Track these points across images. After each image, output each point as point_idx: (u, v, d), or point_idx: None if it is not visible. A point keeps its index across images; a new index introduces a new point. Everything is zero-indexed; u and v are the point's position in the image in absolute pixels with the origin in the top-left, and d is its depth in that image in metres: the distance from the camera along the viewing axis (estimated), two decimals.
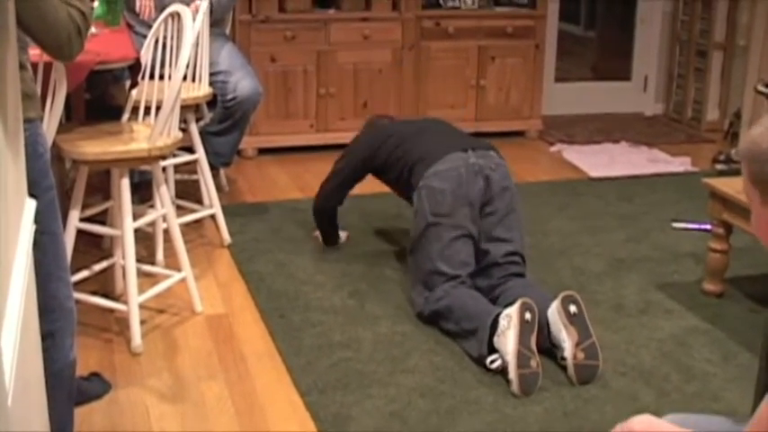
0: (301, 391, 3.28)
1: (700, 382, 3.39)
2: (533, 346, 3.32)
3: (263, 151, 6.13)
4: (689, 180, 5.72)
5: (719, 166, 5.89)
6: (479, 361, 3.44)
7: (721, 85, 7.02)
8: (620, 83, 7.67)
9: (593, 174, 5.88)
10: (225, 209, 4.67)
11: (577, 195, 5.50)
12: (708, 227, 4.33)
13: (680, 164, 6.14)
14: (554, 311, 3.43)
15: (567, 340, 3.38)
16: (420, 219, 3.88)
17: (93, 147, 3.52)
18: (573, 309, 3.40)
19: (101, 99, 4.60)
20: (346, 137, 6.18)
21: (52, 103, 3.19)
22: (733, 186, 3.84)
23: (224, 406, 3.21)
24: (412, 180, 3.99)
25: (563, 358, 3.40)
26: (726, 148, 6.18)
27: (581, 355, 3.35)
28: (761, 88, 5.42)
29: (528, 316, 3.32)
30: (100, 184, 4.59)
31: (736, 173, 2.31)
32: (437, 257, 3.77)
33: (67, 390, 2.51)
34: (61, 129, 3.43)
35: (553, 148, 6.49)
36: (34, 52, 2.54)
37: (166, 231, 4.02)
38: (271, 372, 3.44)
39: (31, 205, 2.13)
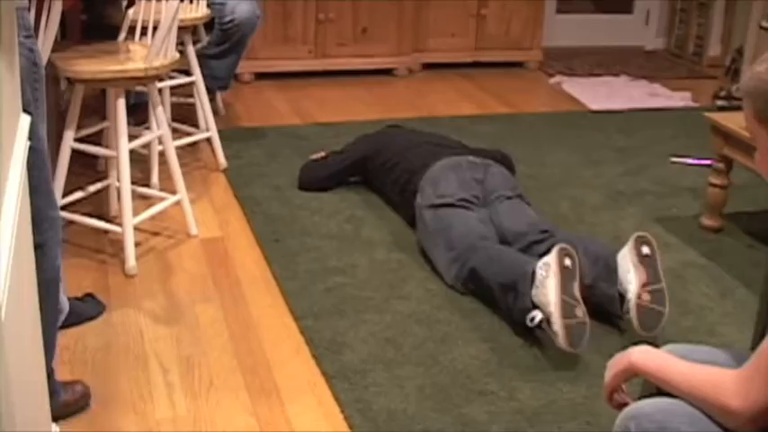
0: (296, 315, 3.27)
1: (696, 316, 3.38)
2: (578, 295, 3.04)
3: (260, 76, 6.06)
4: (689, 115, 5.68)
5: (720, 102, 5.85)
6: (521, 318, 3.15)
7: (724, 20, 6.95)
8: (621, 16, 7.59)
9: (593, 106, 5.84)
10: (221, 133, 4.62)
11: (577, 128, 5.46)
12: (707, 162, 4.31)
13: (680, 99, 6.10)
14: (624, 253, 3.20)
15: (633, 282, 3.15)
16: (425, 209, 3.72)
17: (89, 65, 3.47)
18: (645, 250, 3.17)
19: (97, 19, 4.54)
20: (345, 63, 6.18)
21: (47, 20, 3.13)
22: (735, 121, 3.80)
23: (218, 329, 3.20)
24: (410, 185, 3.91)
25: (625, 300, 3.17)
26: (727, 85, 6.14)
27: (646, 297, 3.13)
28: (765, 24, 5.36)
29: (567, 262, 3.04)
30: (96, 106, 4.55)
31: (737, 109, 2.28)
32: (456, 227, 3.56)
33: (54, 297, 2.53)
34: (57, 47, 3.37)
35: (553, 80, 6.44)
36: None
37: (162, 154, 3.99)
38: (266, 296, 3.43)
39: (25, 120, 2.10)
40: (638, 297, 3.12)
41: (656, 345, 2.01)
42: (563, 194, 4.41)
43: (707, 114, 4.05)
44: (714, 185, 4.02)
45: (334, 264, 3.65)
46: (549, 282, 3.02)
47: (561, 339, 2.98)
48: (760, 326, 2.59)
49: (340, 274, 3.56)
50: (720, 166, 3.98)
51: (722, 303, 3.48)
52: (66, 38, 4.30)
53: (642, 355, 1.93)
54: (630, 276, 3.17)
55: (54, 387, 2.57)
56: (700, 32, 7.10)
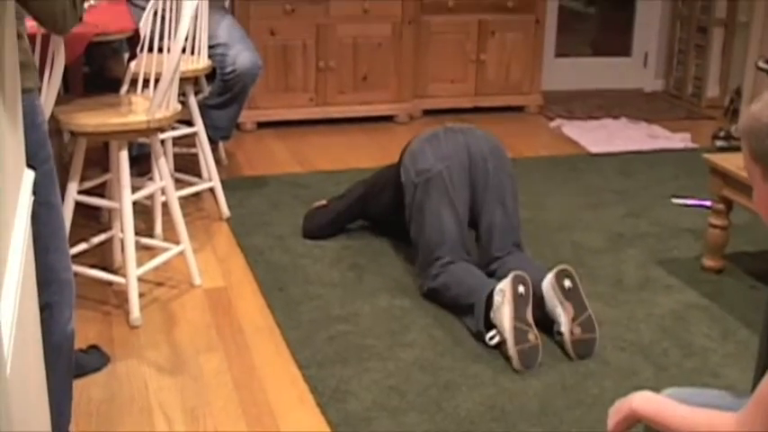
0: (300, 364, 3.28)
1: (698, 357, 3.39)
2: (530, 319, 3.31)
3: (262, 125, 6.11)
4: (689, 156, 5.71)
5: (719, 143, 5.88)
6: (479, 336, 3.43)
7: (722, 61, 7.00)
8: (620, 59, 7.64)
9: (593, 149, 5.87)
10: (224, 182, 4.65)
11: (577, 171, 5.48)
12: (707, 203, 4.33)
13: (680, 140, 6.13)
14: (548, 287, 3.42)
15: (562, 315, 3.37)
16: (408, 186, 3.89)
17: (92, 118, 3.51)
18: (567, 283, 3.38)
19: (99, 72, 4.58)
20: (346, 111, 6.23)
21: (50, 74, 3.17)
22: (733, 162, 3.83)
23: (222, 379, 3.21)
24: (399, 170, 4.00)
25: (559, 333, 3.39)
26: (726, 125, 6.17)
27: (578, 330, 3.34)
28: (762, 65, 5.40)
29: (521, 289, 3.30)
30: (98, 158, 4.58)
31: (737, 149, 2.30)
32: (430, 231, 3.75)
33: (66, 362, 2.51)
34: (59, 101, 3.41)
35: (553, 124, 6.48)
36: (32, 24, 2.52)
37: (165, 204, 4.01)
38: (269, 345, 3.44)
39: (29, 176, 2.12)
40: (571, 333, 3.36)
41: (656, 389, 2.02)
42: (564, 238, 4.43)
43: (706, 156, 4.07)
44: (714, 226, 4.04)
45: (337, 312, 3.66)
46: (503, 309, 3.29)
47: (515, 363, 3.26)
48: (760, 367, 2.59)
49: (343, 323, 3.57)
50: (720, 207, 4.00)
51: (724, 345, 3.48)
52: (68, 91, 4.34)
53: (643, 402, 1.94)
54: (559, 311, 3.39)
55: None
56: (698, 74, 7.14)
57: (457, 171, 3.81)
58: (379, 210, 4.31)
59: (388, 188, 4.16)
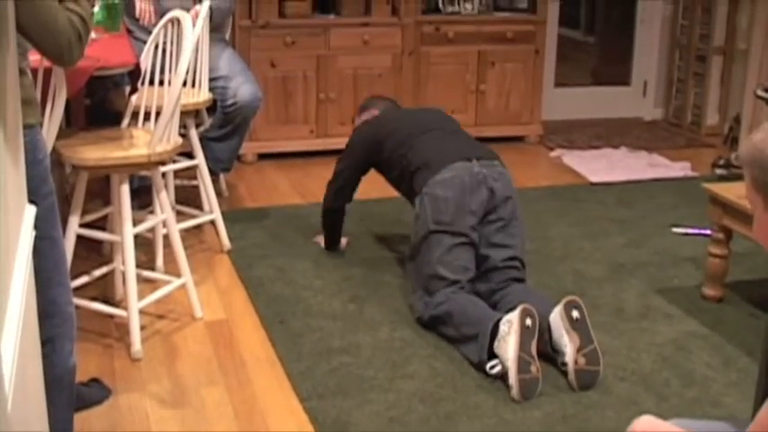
0: (301, 396, 3.28)
1: (699, 386, 3.39)
2: (534, 352, 3.32)
3: (262, 156, 6.13)
4: (689, 185, 5.72)
5: (719, 171, 5.90)
6: (479, 366, 3.43)
7: (721, 89, 7.03)
8: (619, 88, 7.67)
9: (593, 179, 5.88)
10: (225, 214, 4.67)
11: (577, 201, 5.49)
12: (707, 232, 4.33)
13: (680, 169, 6.14)
14: (556, 316, 3.43)
15: (568, 345, 3.38)
16: (421, 225, 3.89)
17: (93, 152, 3.52)
18: (576, 314, 3.39)
19: (101, 105, 4.61)
20: (346, 142, 6.22)
21: (52, 108, 3.19)
22: (733, 191, 3.84)
23: (224, 411, 3.21)
24: (414, 184, 4.00)
25: (564, 363, 3.39)
26: (726, 153, 6.19)
27: (582, 361, 3.35)
28: (760, 93, 5.42)
29: (528, 322, 3.32)
30: (99, 190, 4.59)
31: (737, 177, 2.30)
32: (437, 262, 3.77)
33: (67, 395, 2.51)
34: (61, 134, 3.42)
35: (553, 154, 6.49)
36: (34, 58, 2.54)
37: (166, 237, 4.03)
38: (270, 377, 3.44)
39: (30, 211, 2.13)
40: (575, 362, 3.37)
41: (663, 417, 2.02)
42: (565, 268, 4.44)
43: (705, 185, 4.08)
44: (714, 255, 4.04)
45: (337, 344, 3.66)
46: (509, 338, 3.31)
47: (515, 392, 3.27)
48: (759, 396, 2.59)
49: (344, 354, 3.58)
50: (720, 236, 4.01)
51: (726, 373, 3.49)
52: (70, 123, 4.36)
53: (645, 425, 1.94)
54: (565, 340, 3.41)
55: None
56: (697, 102, 7.17)
57: (472, 225, 3.83)
58: (387, 178, 4.35)
59: (395, 171, 4.20)
